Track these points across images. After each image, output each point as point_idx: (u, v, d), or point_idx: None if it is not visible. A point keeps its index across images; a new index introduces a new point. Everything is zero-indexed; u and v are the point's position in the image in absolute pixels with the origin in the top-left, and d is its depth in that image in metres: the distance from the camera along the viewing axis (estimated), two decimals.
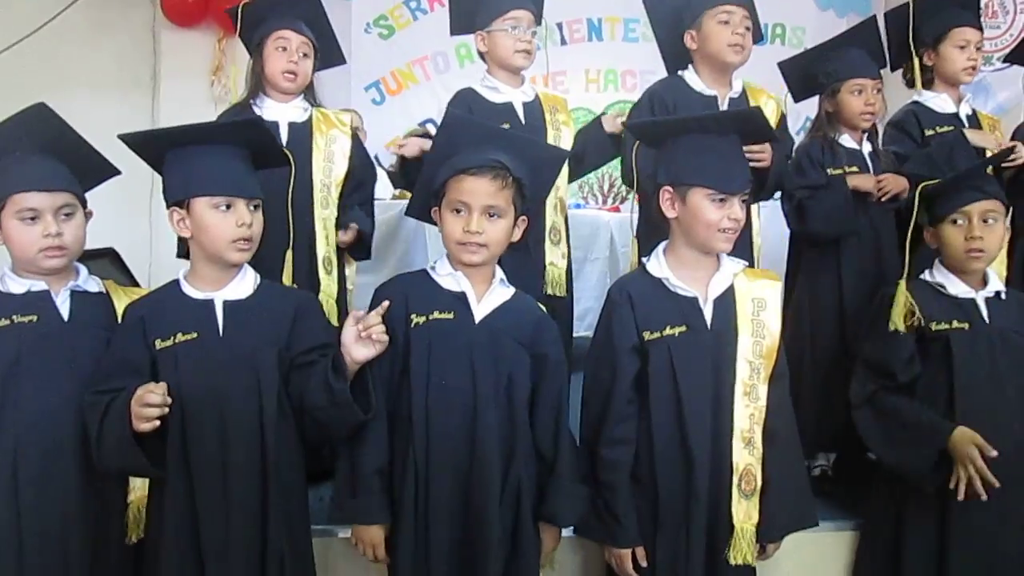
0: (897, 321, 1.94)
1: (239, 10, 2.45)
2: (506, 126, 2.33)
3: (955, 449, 1.81)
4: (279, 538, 1.64)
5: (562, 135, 2.49)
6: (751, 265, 2.03)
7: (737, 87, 2.45)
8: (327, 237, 2.38)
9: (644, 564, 1.75)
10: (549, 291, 2.40)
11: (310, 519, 1.78)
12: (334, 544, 2.07)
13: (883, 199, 2.39)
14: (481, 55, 2.50)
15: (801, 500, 1.84)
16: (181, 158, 1.66)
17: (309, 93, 2.47)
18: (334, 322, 2.26)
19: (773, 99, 2.46)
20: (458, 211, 1.70)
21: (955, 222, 1.95)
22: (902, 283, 1.97)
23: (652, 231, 2.06)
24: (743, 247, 2.10)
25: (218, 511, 1.61)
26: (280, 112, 2.40)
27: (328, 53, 2.54)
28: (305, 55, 2.40)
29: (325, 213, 2.38)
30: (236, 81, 2.49)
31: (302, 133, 2.40)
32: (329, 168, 2.41)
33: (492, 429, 1.69)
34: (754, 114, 1.88)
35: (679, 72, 2.47)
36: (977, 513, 1.85)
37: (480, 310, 1.74)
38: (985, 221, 1.93)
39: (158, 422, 1.52)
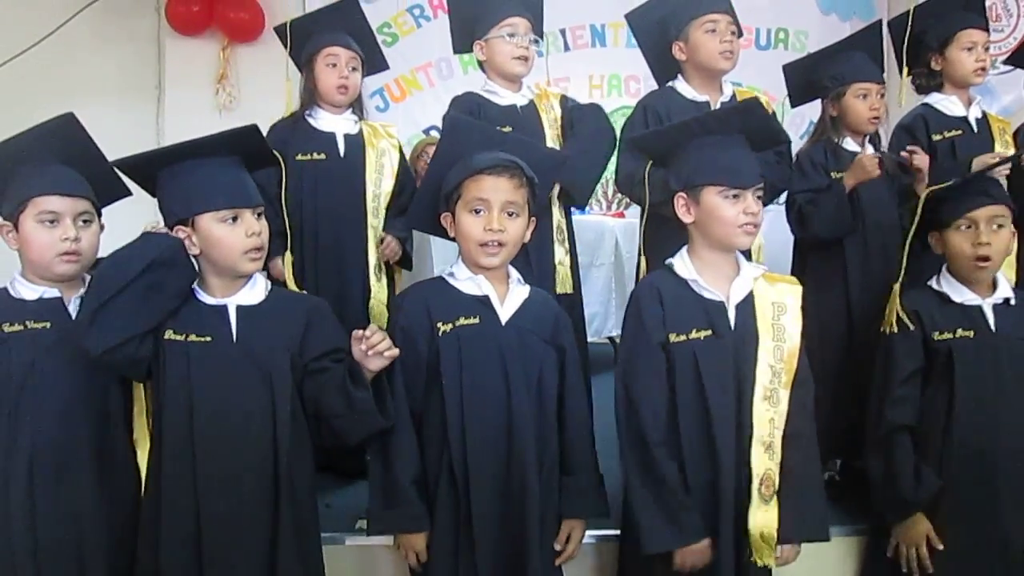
0: (890, 322, 1.94)
1: (288, 27, 2.55)
2: (508, 129, 2.35)
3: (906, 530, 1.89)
4: (290, 547, 1.63)
5: (556, 133, 2.50)
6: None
7: (727, 91, 2.45)
8: (378, 245, 2.48)
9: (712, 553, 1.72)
10: (559, 290, 2.41)
11: (319, 526, 1.78)
12: (342, 551, 2.08)
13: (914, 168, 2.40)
14: (480, 65, 2.52)
15: (819, 508, 1.80)
16: (177, 175, 1.65)
17: (357, 104, 2.57)
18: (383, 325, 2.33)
19: (763, 98, 2.45)
20: (477, 211, 1.70)
21: (962, 228, 1.92)
22: (896, 287, 1.97)
23: (658, 245, 2.05)
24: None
25: (227, 519, 1.60)
26: (335, 124, 2.52)
27: (372, 60, 2.64)
28: (354, 68, 2.52)
29: (375, 222, 2.49)
30: (291, 96, 2.62)
31: (357, 144, 2.52)
32: (379, 179, 2.52)
33: (528, 429, 1.70)
34: (752, 105, 1.86)
35: (669, 83, 2.47)
36: (974, 526, 1.87)
37: (504, 312, 1.75)
38: (993, 227, 1.90)
39: None
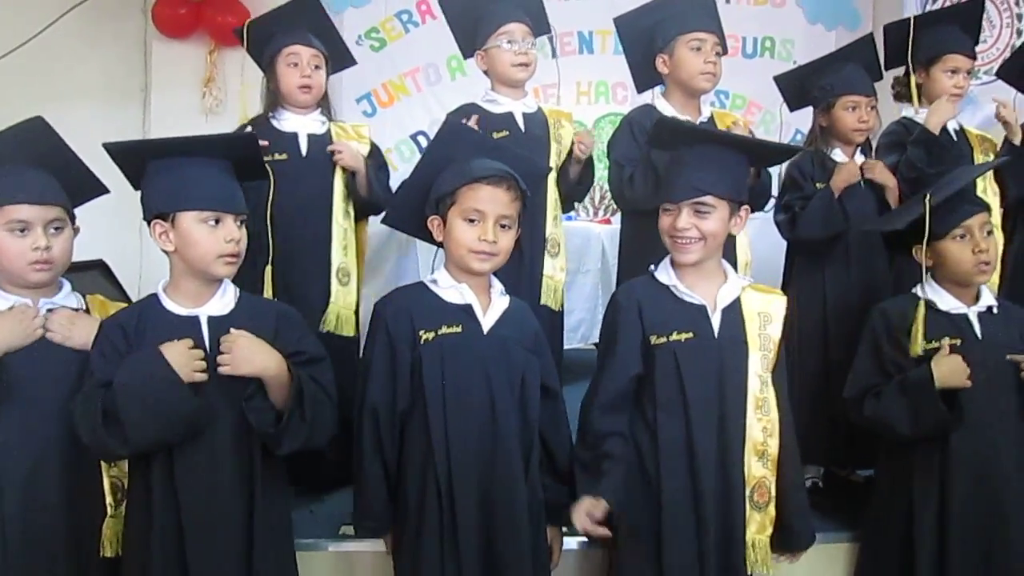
0: (916, 340, 1.91)
1: (245, 28, 2.48)
2: (505, 134, 2.36)
3: (945, 379, 1.83)
4: (265, 555, 1.63)
5: (564, 150, 2.52)
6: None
7: (705, 112, 2.47)
8: (345, 248, 2.40)
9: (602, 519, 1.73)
10: (544, 301, 2.41)
11: (293, 533, 1.77)
12: (324, 558, 2.06)
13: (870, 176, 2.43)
14: (485, 72, 2.53)
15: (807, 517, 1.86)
16: (167, 169, 1.62)
17: (324, 105, 2.49)
18: (350, 332, 2.34)
19: (741, 122, 2.47)
20: (472, 220, 1.69)
21: (958, 237, 1.91)
22: (921, 302, 1.94)
23: (635, 250, 2.06)
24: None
25: (205, 529, 1.59)
26: (299, 124, 2.44)
27: (338, 57, 2.57)
28: (317, 67, 2.44)
29: (344, 224, 2.41)
30: (249, 99, 2.52)
31: (322, 144, 2.42)
32: (349, 179, 2.42)
33: (514, 438, 1.70)
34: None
35: (650, 101, 2.49)
36: (980, 535, 1.87)
37: (487, 321, 1.74)
38: (986, 233, 1.92)
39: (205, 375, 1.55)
